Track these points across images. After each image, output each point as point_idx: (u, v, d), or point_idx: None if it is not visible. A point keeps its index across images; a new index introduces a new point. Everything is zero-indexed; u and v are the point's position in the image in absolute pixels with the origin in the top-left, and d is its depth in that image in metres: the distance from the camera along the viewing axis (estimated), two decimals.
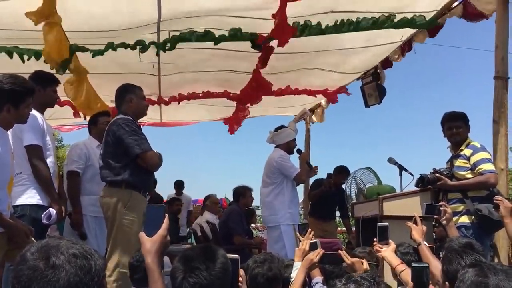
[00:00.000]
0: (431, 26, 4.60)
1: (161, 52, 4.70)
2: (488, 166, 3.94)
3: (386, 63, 5.80)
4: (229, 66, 5.76)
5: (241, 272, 2.43)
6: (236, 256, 2.06)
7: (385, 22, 4.42)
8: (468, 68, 68.39)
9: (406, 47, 5.25)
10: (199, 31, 4.42)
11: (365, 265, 2.98)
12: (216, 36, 4.44)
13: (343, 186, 6.52)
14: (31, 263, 1.22)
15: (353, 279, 1.39)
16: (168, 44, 4.49)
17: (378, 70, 5.99)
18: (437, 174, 4.21)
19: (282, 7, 3.93)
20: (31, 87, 3.09)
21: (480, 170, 3.96)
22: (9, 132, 3.13)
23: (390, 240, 2.99)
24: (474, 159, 4.04)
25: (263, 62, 4.93)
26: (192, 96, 6.90)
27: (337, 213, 7.77)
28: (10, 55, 4.38)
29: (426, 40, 4.87)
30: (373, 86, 6.08)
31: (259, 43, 4.51)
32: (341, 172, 6.93)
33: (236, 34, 4.41)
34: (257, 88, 5.72)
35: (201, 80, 6.37)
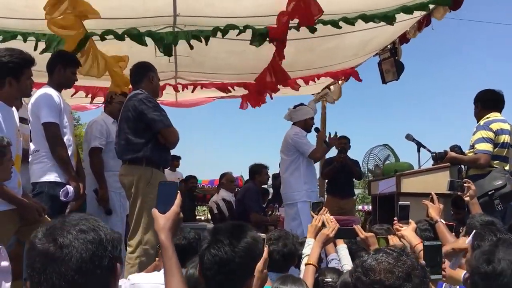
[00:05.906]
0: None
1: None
2: (480, 146, 4.04)
3: (404, 38, 5.67)
4: (246, 57, 5.68)
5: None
6: (263, 234, 2.07)
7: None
8: (488, 42, 67.10)
9: (424, 21, 5.11)
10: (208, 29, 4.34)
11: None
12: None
13: (360, 163, 6.48)
14: (40, 248, 1.22)
15: (383, 250, 1.41)
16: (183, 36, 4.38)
17: (396, 46, 5.86)
18: (446, 149, 4.38)
19: None
20: (29, 58, 3.12)
21: (474, 150, 4.09)
22: (15, 110, 3.16)
23: (410, 220, 2.93)
24: (473, 138, 4.15)
25: (279, 56, 4.79)
26: (207, 86, 6.97)
27: (356, 191, 7.68)
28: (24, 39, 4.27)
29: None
30: (391, 62, 5.94)
31: (273, 36, 4.39)
32: (341, 138, 6.79)
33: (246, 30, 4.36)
34: (275, 78, 5.62)
35: (217, 70, 6.36)
